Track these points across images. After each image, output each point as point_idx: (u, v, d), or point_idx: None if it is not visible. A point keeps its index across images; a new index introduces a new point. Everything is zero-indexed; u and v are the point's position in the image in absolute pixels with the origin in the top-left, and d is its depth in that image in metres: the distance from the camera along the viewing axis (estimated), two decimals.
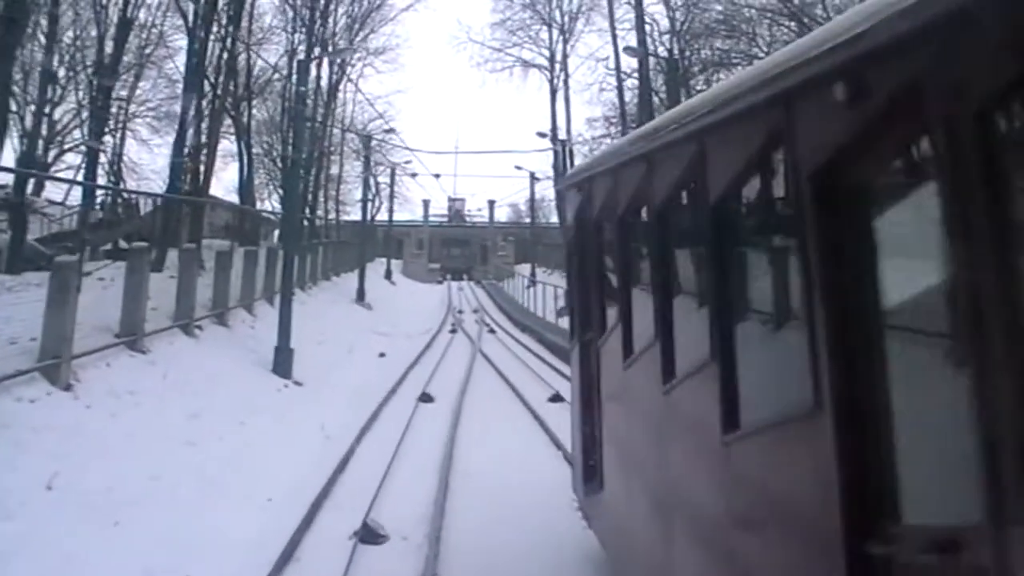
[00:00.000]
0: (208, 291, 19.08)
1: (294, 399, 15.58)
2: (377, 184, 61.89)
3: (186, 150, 26.81)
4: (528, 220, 63.53)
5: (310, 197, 44.31)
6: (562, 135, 43.38)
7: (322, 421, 13.69)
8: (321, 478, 10.37)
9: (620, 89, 39.91)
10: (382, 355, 22.43)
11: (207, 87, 30.36)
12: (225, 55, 28.54)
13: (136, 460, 10.03)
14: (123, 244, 30.24)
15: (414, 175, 50.04)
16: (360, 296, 33.92)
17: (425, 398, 15.18)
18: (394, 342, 25.20)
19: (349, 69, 46.65)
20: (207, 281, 20.20)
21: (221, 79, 27.92)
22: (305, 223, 40.79)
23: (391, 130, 38.23)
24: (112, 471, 9.53)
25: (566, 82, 47.40)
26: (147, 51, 36.54)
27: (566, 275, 7.07)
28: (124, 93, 37.20)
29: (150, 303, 17.27)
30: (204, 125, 29.19)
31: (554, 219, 59.18)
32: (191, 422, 12.03)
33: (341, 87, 47.28)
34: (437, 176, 39.39)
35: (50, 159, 39.24)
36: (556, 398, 15.16)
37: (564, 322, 28.35)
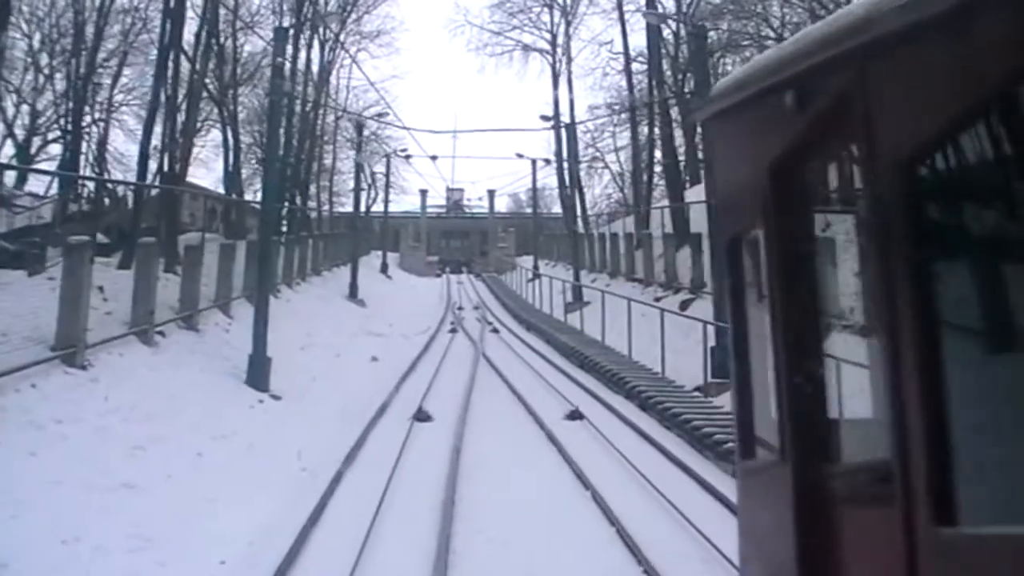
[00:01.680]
0: (181, 290, 16.95)
1: (268, 418, 13.40)
2: (373, 174, 59.69)
3: (157, 135, 24.50)
4: (529, 210, 61.33)
5: (300, 186, 42.22)
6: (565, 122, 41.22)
7: (299, 447, 11.51)
8: (290, 532, 8.18)
9: (628, 70, 37.58)
10: (374, 359, 20.25)
11: (187, 69, 28.41)
12: (205, 29, 26.16)
13: (52, 516, 7.85)
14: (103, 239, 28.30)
15: (408, 156, 47.63)
16: (352, 292, 31.71)
17: (421, 416, 12.95)
18: (388, 344, 23.00)
19: (341, 53, 44.48)
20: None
21: (199, 56, 25.51)
22: (297, 214, 38.69)
23: (384, 113, 35.88)
24: (14, 535, 7.35)
25: (569, 66, 45.19)
26: (130, 38, 34.53)
27: (728, 290, 2.89)
28: (108, 81, 35.37)
29: (106, 306, 15.11)
30: (183, 109, 26.98)
31: (556, 209, 56.98)
32: (133, 457, 9.84)
33: (334, 75, 45.18)
34: (434, 158, 36.48)
35: (33, 150, 37.36)
36: (575, 415, 12.99)
37: (573, 319, 26.33)
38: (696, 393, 14.72)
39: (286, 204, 36.48)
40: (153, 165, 25.32)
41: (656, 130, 38.54)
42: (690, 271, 23.21)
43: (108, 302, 15.44)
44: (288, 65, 39.27)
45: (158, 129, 24.46)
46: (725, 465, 10.86)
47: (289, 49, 38.89)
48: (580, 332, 22.50)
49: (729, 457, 10.80)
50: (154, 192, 25.40)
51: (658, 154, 38.85)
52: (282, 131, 37.53)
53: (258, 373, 15.02)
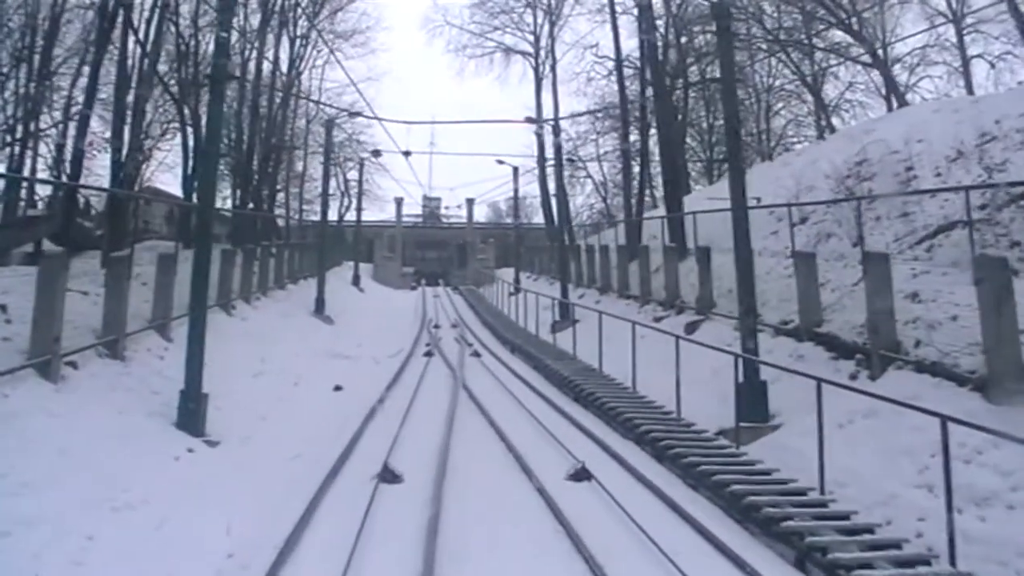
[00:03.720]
0: (104, 310, 14.26)
1: (197, 475, 10.70)
2: (346, 181, 56.98)
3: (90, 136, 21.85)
4: (509, 220, 58.95)
5: (269, 191, 39.61)
6: (548, 129, 38.83)
7: (230, 519, 8.89)
8: None
9: (619, 64, 35.22)
10: (338, 389, 17.61)
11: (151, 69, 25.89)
12: (157, 15, 23.55)
13: None
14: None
15: (377, 153, 44.96)
16: (319, 307, 28.96)
17: (388, 475, 10.28)
18: (355, 369, 20.35)
19: (312, 52, 41.95)
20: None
21: (151, 42, 22.83)
22: (257, 222, 35.93)
23: (357, 113, 33.32)
24: None
25: (553, 68, 42.91)
26: (90, 36, 31.79)
27: None
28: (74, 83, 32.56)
29: (7, 330, 12.44)
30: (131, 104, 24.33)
31: (538, 219, 54.53)
32: None
33: (305, 76, 42.67)
34: (407, 154, 33.34)
35: None
36: (580, 475, 10.39)
37: (563, 340, 23.57)
38: (720, 439, 12.22)
39: (251, 210, 33.83)
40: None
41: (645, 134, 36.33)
42: (694, 288, 20.78)
43: (11, 324, 12.76)
44: (253, 64, 37.13)
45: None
46: (781, 547, 8.40)
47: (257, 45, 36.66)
48: (572, 357, 19.93)
49: (790, 539, 8.34)
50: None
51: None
52: (246, 128, 35.01)
53: (190, 413, 12.36)
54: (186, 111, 32.79)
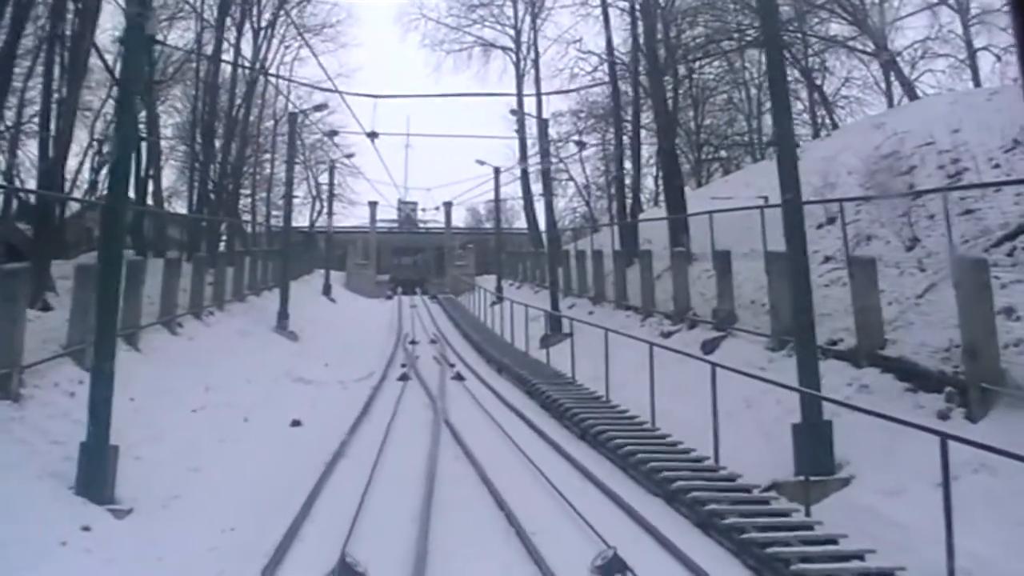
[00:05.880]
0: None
1: (87, 569, 7.87)
2: (317, 184, 54.06)
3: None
4: (489, 225, 56.29)
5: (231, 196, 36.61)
6: (531, 130, 36.26)
7: None
8: None
9: (609, 45, 32.62)
10: (296, 424, 14.81)
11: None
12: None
13: None
14: None
15: (334, 134, 42.01)
16: (282, 321, 26.04)
17: (345, 573, 7.48)
18: (319, 396, 17.54)
19: (279, 47, 39.17)
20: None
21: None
22: (220, 227, 32.97)
23: (323, 106, 30.53)
24: None
25: (536, 63, 40.32)
26: (41, 34, 28.74)
27: None
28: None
29: None
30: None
31: (519, 223, 51.77)
32: None
33: (272, 72, 39.76)
34: (373, 136, 28.70)
35: None
36: (613, 567, 7.62)
37: (559, 358, 20.53)
38: (780, 500, 9.59)
39: (208, 215, 30.92)
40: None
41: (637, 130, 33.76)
42: (706, 299, 18.24)
43: None
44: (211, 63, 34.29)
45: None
46: None
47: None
48: (571, 380, 17.21)
49: None
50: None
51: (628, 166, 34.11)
52: (205, 119, 32.14)
53: (93, 473, 9.52)
54: (143, 113, 29.87)
